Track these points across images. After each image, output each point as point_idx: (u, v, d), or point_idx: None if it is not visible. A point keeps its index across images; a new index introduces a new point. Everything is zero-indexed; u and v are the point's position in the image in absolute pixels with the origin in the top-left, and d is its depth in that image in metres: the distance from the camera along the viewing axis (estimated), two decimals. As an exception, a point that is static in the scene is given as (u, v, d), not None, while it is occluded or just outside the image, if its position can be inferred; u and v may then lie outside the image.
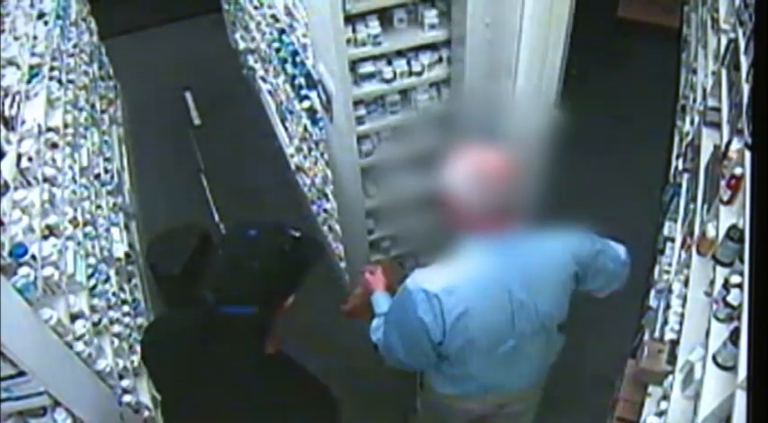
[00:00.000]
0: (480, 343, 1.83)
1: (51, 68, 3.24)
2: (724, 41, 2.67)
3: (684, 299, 2.33)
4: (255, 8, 4.31)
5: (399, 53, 2.43)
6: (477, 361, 1.91)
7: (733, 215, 2.05)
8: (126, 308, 3.03)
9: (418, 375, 2.34)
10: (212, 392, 1.53)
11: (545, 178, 2.52)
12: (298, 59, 3.35)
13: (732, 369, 1.65)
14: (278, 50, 3.75)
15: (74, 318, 2.34)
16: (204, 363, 1.54)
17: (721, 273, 1.96)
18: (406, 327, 1.84)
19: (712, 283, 2.04)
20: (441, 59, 2.45)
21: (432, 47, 2.42)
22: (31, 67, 3.01)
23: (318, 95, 2.76)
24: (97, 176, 3.54)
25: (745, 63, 2.14)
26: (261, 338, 1.54)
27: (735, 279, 1.82)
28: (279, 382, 1.55)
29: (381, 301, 2.08)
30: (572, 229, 1.85)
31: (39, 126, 2.75)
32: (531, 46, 2.07)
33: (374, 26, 2.28)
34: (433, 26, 2.33)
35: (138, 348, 1.71)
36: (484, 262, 1.74)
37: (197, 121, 5.18)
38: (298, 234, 1.58)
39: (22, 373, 1.82)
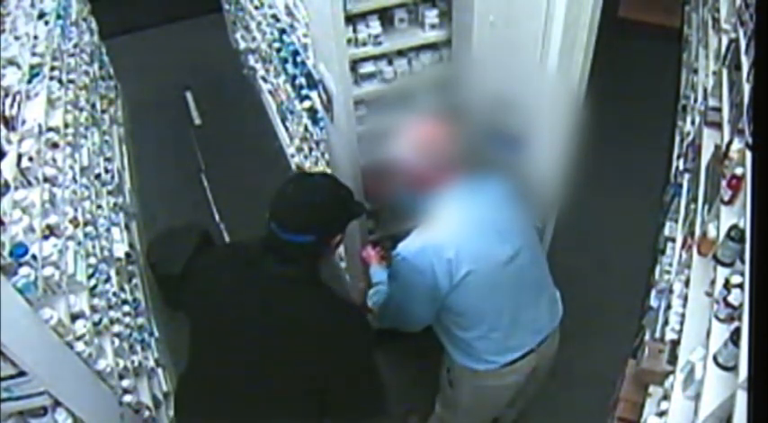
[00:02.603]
0: (485, 272, 1.97)
1: (52, 68, 3.24)
2: (725, 41, 2.67)
3: (685, 299, 2.33)
4: (256, 8, 4.31)
5: (400, 53, 2.43)
6: (492, 302, 2.05)
7: (734, 215, 2.04)
8: (126, 308, 3.03)
9: (445, 372, 2.38)
10: (265, 308, 1.73)
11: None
12: (298, 59, 3.35)
13: (733, 369, 1.65)
14: (278, 50, 3.75)
15: (74, 318, 2.34)
16: (262, 283, 1.76)
17: (722, 273, 1.96)
18: (409, 286, 2.01)
19: (713, 283, 2.03)
20: (441, 59, 2.45)
21: (433, 47, 2.42)
22: (32, 67, 3.01)
23: (319, 95, 2.76)
24: (98, 176, 3.53)
25: (746, 63, 2.13)
26: (315, 264, 1.79)
27: (735, 279, 1.82)
28: (332, 300, 1.82)
29: (377, 272, 2.36)
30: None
31: (39, 126, 2.75)
32: (560, 40, 2.08)
33: (375, 26, 2.28)
34: (433, 26, 2.33)
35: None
36: (456, 208, 1.97)
37: (197, 121, 5.18)
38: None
39: (22, 373, 1.82)
